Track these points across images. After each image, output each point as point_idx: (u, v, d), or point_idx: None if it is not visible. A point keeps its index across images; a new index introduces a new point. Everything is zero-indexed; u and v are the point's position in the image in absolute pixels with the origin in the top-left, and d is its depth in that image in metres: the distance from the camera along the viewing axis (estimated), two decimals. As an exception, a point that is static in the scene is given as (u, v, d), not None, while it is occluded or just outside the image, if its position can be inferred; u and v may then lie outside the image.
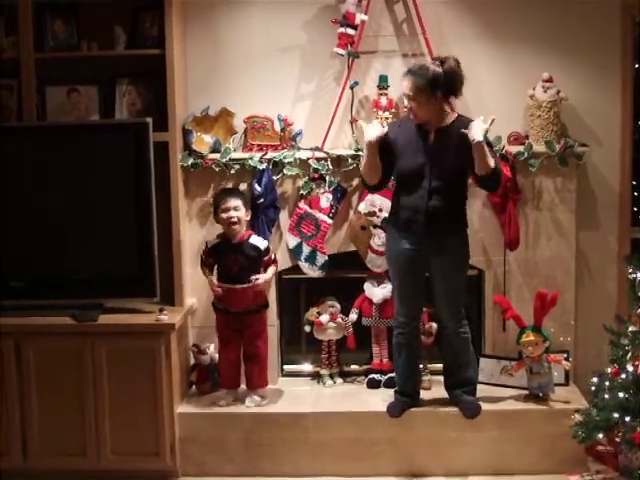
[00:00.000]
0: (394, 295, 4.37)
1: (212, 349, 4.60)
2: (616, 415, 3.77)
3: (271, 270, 4.42)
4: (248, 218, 4.42)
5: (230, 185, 4.57)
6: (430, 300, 4.36)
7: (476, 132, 3.92)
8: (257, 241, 4.39)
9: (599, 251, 4.67)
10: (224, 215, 4.33)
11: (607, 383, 3.94)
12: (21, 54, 4.42)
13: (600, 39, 4.54)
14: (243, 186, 4.57)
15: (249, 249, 4.36)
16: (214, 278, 4.42)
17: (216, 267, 4.43)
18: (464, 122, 4.07)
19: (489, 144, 4.09)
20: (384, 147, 4.10)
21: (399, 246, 4.19)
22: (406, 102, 4.12)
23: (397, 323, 4.33)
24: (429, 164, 4.05)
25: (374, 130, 4.09)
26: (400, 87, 4.21)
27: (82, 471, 4.36)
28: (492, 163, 3.98)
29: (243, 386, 4.51)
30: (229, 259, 4.36)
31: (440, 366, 4.51)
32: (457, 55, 4.10)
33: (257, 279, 4.33)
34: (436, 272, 4.23)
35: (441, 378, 4.46)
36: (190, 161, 4.51)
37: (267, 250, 4.40)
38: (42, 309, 4.37)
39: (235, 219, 4.32)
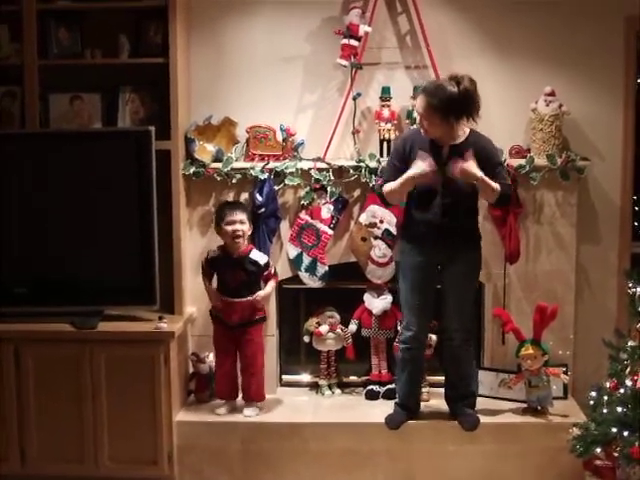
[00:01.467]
0: (403, 308, 4.30)
1: (211, 358, 4.59)
2: (614, 430, 3.76)
3: (270, 285, 4.42)
4: (250, 232, 4.42)
5: (232, 194, 4.58)
6: (435, 315, 4.35)
7: (474, 170, 3.92)
8: (257, 256, 4.39)
9: (599, 265, 4.67)
10: (229, 228, 4.33)
11: (605, 397, 3.93)
12: (25, 61, 4.42)
13: (603, 54, 4.54)
14: (244, 196, 4.58)
15: (249, 264, 4.36)
16: (214, 289, 4.43)
17: (215, 278, 4.44)
18: (477, 137, 4.08)
19: (500, 164, 4.12)
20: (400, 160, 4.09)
21: (412, 258, 4.17)
22: (418, 118, 4.08)
23: (405, 337, 4.27)
24: (443, 181, 4.03)
25: (424, 166, 3.97)
26: (403, 99, 4.27)
27: (80, 478, 4.35)
28: (497, 187, 3.97)
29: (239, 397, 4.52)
30: (229, 273, 4.37)
31: (438, 378, 4.51)
32: (460, 68, 4.11)
33: (258, 296, 4.35)
34: (449, 282, 4.22)
35: (439, 390, 4.46)
36: (192, 170, 4.51)
37: (267, 265, 4.40)
38: (42, 316, 4.37)
39: (240, 232, 4.32)
